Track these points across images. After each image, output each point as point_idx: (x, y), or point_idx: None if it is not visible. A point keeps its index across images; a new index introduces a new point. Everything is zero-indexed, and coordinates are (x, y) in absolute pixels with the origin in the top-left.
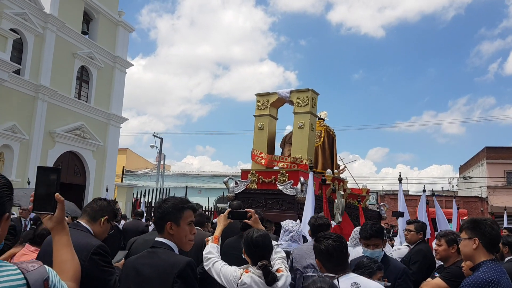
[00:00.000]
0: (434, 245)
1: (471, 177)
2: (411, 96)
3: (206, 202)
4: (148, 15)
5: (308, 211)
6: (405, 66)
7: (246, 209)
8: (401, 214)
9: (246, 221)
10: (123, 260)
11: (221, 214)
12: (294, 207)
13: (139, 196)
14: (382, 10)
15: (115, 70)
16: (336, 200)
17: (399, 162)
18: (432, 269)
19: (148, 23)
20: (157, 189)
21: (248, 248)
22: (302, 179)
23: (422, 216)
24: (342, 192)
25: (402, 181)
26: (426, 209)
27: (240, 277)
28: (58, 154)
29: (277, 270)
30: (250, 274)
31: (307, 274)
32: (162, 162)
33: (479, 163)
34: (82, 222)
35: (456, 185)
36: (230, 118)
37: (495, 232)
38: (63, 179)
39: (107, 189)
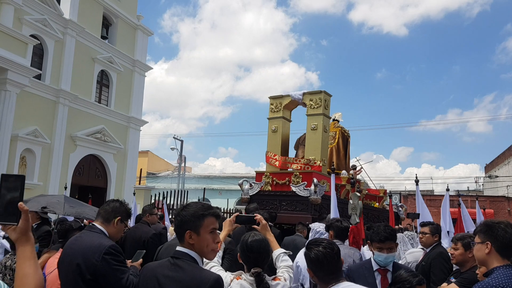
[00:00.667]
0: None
1: (497, 176)
2: (436, 95)
3: (225, 203)
4: (170, 19)
5: (334, 214)
6: (429, 64)
7: (254, 214)
8: (417, 216)
9: (255, 226)
10: (141, 259)
11: (227, 219)
12: (308, 209)
13: (157, 198)
14: (404, 8)
15: (134, 73)
16: (351, 201)
17: (424, 162)
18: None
19: (170, 27)
20: (176, 191)
21: (243, 253)
22: (315, 180)
23: (446, 217)
24: (358, 194)
25: (418, 183)
26: (459, 209)
27: (230, 284)
28: (79, 157)
29: (275, 278)
30: (240, 282)
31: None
32: (182, 164)
33: (505, 161)
34: (96, 224)
35: (482, 184)
36: (251, 120)
37: (509, 235)
38: (85, 182)
39: (134, 193)
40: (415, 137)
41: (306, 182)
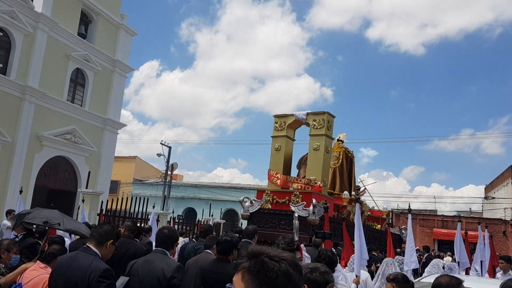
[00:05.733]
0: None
1: (493, 198)
2: (450, 115)
3: (215, 214)
4: (188, 29)
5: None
6: (445, 84)
7: None
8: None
9: None
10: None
11: None
12: (306, 229)
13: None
14: (422, 28)
15: (114, 74)
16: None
17: (434, 181)
18: None
19: (187, 36)
20: (134, 198)
21: None
22: (314, 201)
23: (457, 247)
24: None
25: (411, 211)
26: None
27: None
28: (46, 158)
29: None
30: None
31: None
32: (169, 172)
33: (504, 182)
34: (91, 246)
35: (482, 206)
36: (263, 132)
37: None
38: (52, 185)
39: (83, 200)
40: (426, 156)
41: (305, 202)
